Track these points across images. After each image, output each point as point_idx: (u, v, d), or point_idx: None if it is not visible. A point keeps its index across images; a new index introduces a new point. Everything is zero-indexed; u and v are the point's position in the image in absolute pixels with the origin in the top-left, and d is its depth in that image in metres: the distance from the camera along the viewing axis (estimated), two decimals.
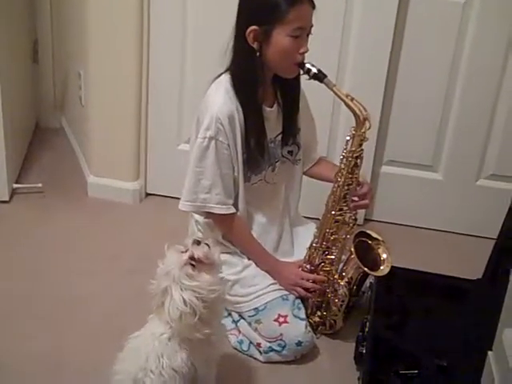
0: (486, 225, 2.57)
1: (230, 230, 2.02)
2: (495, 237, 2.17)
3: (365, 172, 2.33)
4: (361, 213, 2.61)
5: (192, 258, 1.58)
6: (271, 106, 1.98)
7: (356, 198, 2.00)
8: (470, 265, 2.22)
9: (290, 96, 2.01)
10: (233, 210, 1.97)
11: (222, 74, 1.94)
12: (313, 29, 1.86)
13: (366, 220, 2.76)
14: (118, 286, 2.26)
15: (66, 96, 3.30)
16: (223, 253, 1.95)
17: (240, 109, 1.89)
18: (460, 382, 1.78)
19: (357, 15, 2.45)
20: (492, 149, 2.64)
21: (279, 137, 2.03)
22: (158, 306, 1.60)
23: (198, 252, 1.59)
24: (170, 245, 1.61)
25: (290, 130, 2.04)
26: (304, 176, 2.20)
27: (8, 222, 2.61)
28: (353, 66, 2.52)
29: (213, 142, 1.88)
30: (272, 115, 1.99)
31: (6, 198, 2.69)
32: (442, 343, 1.92)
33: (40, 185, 2.78)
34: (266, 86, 1.96)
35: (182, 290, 1.55)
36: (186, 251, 1.59)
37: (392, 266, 2.01)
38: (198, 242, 1.62)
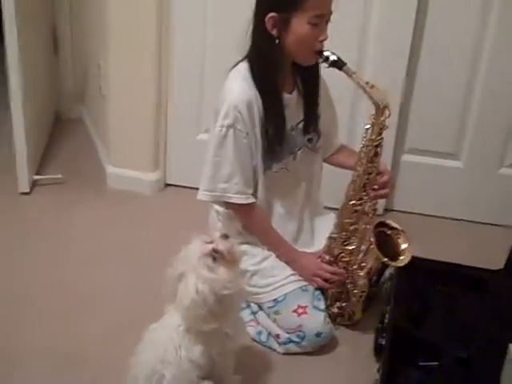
0: (508, 213, 2.55)
1: (249, 219, 2.01)
2: None
3: (385, 161, 2.31)
4: (381, 202, 2.58)
5: (215, 250, 1.57)
6: (290, 93, 1.97)
7: (376, 187, 1.98)
8: (492, 254, 2.19)
9: (310, 83, 1.99)
10: (252, 200, 1.96)
11: (239, 61, 1.93)
12: (332, 16, 1.83)
13: (386, 210, 2.73)
14: (137, 276, 2.26)
15: (85, 87, 3.30)
16: (243, 243, 1.96)
17: (259, 96, 1.88)
18: (480, 374, 1.76)
19: (377, 1, 2.42)
20: None
21: (301, 124, 2.01)
22: (170, 293, 1.59)
23: (223, 246, 1.58)
24: (197, 233, 1.61)
25: (311, 118, 2.02)
26: (324, 165, 2.18)
27: (29, 213, 2.63)
28: (373, 54, 2.50)
29: (231, 130, 1.87)
30: (292, 102, 1.97)
31: (27, 190, 2.71)
32: (462, 335, 1.90)
33: (60, 176, 2.80)
34: (285, 73, 1.94)
35: (197, 278, 1.54)
36: (211, 242, 1.59)
37: (412, 256, 1.99)
38: (225, 236, 1.61)
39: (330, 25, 1.85)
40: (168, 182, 2.86)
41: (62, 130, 3.24)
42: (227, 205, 2.00)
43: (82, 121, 3.32)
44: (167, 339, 1.61)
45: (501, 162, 2.65)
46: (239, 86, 1.88)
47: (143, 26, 2.57)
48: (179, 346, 1.60)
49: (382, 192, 2.00)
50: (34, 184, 2.75)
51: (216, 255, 1.57)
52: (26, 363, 1.89)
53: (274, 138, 1.92)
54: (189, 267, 1.56)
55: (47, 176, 2.80)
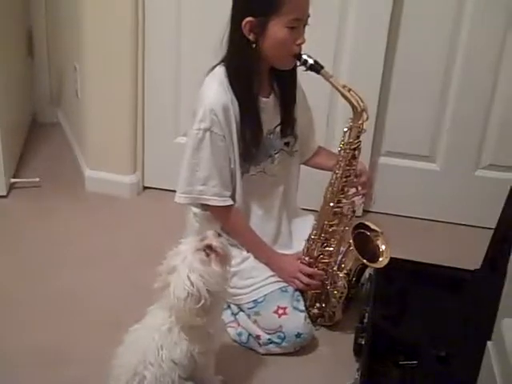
0: (484, 215, 2.56)
1: (227, 221, 2.01)
2: (494, 227, 2.17)
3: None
4: (359, 204, 2.60)
5: (209, 246, 1.59)
6: (267, 97, 1.97)
7: (354, 190, 2.00)
8: (469, 255, 2.22)
9: (286, 87, 2.00)
10: (230, 202, 1.97)
11: (216, 65, 1.93)
12: (309, 19, 1.85)
13: (365, 212, 2.75)
14: (117, 279, 2.26)
15: (62, 90, 3.28)
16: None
17: (235, 100, 1.88)
18: (459, 373, 1.78)
19: (353, 3, 2.45)
20: (490, 139, 2.63)
21: (278, 128, 2.02)
22: (161, 288, 1.59)
23: (216, 242, 1.60)
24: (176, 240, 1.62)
25: (288, 121, 2.03)
26: (302, 168, 2.19)
27: (6, 216, 2.61)
28: (349, 57, 2.52)
29: (207, 133, 1.87)
30: (269, 106, 1.98)
31: (4, 193, 2.69)
32: (441, 334, 1.92)
33: (37, 179, 2.78)
34: (262, 77, 1.95)
35: (190, 270, 1.54)
36: (204, 239, 1.60)
37: (391, 257, 2.01)
38: (218, 235, 1.64)
39: (307, 29, 1.85)
40: (146, 185, 2.86)
41: (39, 133, 3.21)
42: (205, 207, 2.00)
43: (59, 124, 3.30)
44: (149, 340, 1.60)
45: (477, 164, 2.68)
46: (215, 90, 1.88)
47: (119, 28, 2.56)
48: (161, 347, 1.59)
49: (362, 192, 2.02)
50: (11, 187, 2.73)
51: (209, 251, 1.58)
52: (13, 363, 1.88)
53: (251, 142, 1.93)
54: (182, 260, 1.56)
55: (24, 179, 2.78)
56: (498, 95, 2.56)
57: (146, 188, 2.86)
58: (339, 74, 2.46)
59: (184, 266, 1.55)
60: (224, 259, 1.62)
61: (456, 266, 2.20)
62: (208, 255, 1.58)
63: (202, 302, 1.54)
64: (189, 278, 1.53)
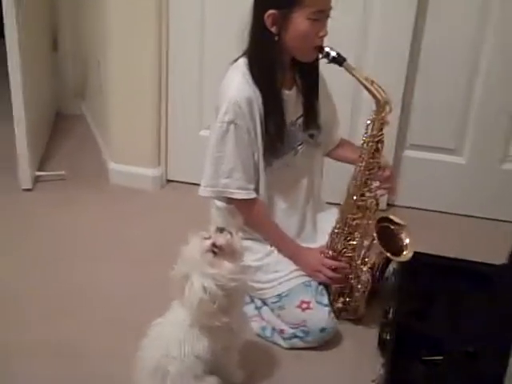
0: (510, 209, 2.54)
1: (250, 215, 2.01)
2: None
3: (387, 156, 2.31)
4: (383, 198, 2.58)
5: (214, 245, 1.57)
6: (290, 89, 1.97)
7: (378, 183, 1.98)
8: (495, 249, 2.19)
9: (309, 79, 1.99)
10: (254, 195, 1.96)
11: (239, 58, 1.93)
12: (332, 11, 1.83)
13: (389, 205, 2.73)
14: (139, 272, 2.27)
15: (86, 83, 3.30)
16: (246, 239, 1.95)
17: (258, 92, 1.88)
18: (486, 368, 1.76)
19: None
20: None
21: (300, 120, 2.01)
22: (179, 291, 1.59)
23: (221, 239, 1.59)
24: (194, 232, 1.61)
25: (311, 114, 2.02)
26: (326, 161, 2.18)
27: (31, 209, 2.63)
28: (374, 49, 2.50)
29: (232, 126, 1.87)
30: (291, 98, 1.97)
31: (29, 186, 2.71)
32: (467, 329, 1.90)
33: (62, 172, 2.80)
34: (284, 69, 1.94)
35: (202, 276, 1.54)
36: (209, 238, 1.59)
37: (416, 252, 1.98)
38: (221, 230, 1.61)
39: (331, 22, 1.84)
40: (169, 178, 2.86)
41: (64, 126, 3.24)
42: (229, 200, 1.99)
43: (83, 117, 3.33)
44: (172, 334, 1.61)
45: (503, 157, 2.65)
46: (239, 83, 1.88)
47: (142, 22, 2.57)
48: (184, 342, 1.60)
49: (385, 186, 2.00)
50: (36, 180, 2.75)
51: (215, 249, 1.57)
52: (25, 357, 1.88)
53: (275, 134, 1.92)
54: (191, 267, 1.56)
55: (49, 172, 2.80)
56: None
57: (169, 181, 2.87)
58: (364, 66, 2.44)
59: (196, 273, 1.54)
60: (233, 253, 1.61)
61: (482, 260, 2.18)
62: (215, 254, 1.57)
63: (216, 304, 1.53)
64: (202, 284, 1.53)
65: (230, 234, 1.62)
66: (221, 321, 1.56)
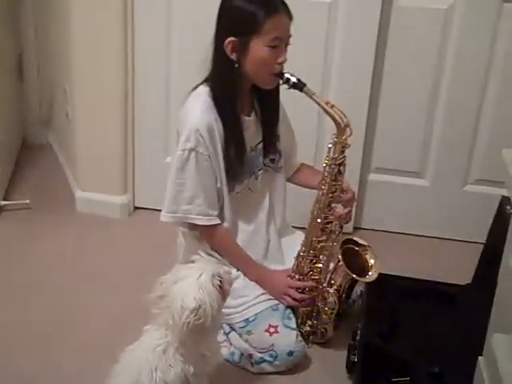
0: (473, 230, 2.58)
1: (213, 240, 2.02)
2: (483, 241, 2.18)
3: (352, 180, 2.35)
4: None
5: (220, 276, 1.64)
6: (249, 115, 1.99)
7: (340, 206, 2.01)
8: (459, 270, 2.23)
9: (268, 106, 2.02)
10: (216, 221, 1.97)
11: (199, 85, 1.95)
12: (295, 40, 1.87)
13: (356, 228, 2.75)
14: (109, 301, 2.25)
15: (52, 112, 3.29)
16: None
17: (219, 119, 1.90)
18: None
19: (340, 23, 2.46)
20: (478, 154, 2.64)
21: (260, 145, 2.03)
22: (159, 297, 1.61)
23: (229, 278, 1.67)
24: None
25: (271, 139, 2.05)
26: (290, 186, 2.20)
27: None
28: (338, 75, 2.53)
29: (193, 153, 1.89)
30: (251, 124, 2.00)
31: None
32: (433, 349, 1.92)
33: (28, 201, 2.77)
34: (244, 96, 1.97)
35: (201, 288, 1.58)
36: (220, 267, 1.68)
37: (382, 274, 2.01)
38: (229, 272, 1.71)
39: (293, 50, 1.87)
40: (137, 205, 2.86)
41: (29, 155, 3.21)
42: (191, 226, 2.01)
43: (50, 146, 3.30)
44: (143, 361, 1.60)
45: (465, 179, 2.69)
46: (199, 110, 1.90)
47: (108, 49, 2.57)
48: (155, 368, 1.59)
49: (346, 210, 2.02)
50: (1, 209, 2.73)
51: (220, 281, 1.63)
52: None
53: (235, 160, 1.94)
54: (196, 276, 1.59)
55: (15, 201, 2.78)
56: (484, 111, 2.57)
57: (137, 208, 2.86)
58: (328, 91, 2.48)
59: (197, 281, 1.58)
60: (226, 294, 1.68)
61: (446, 281, 2.21)
62: (220, 283, 1.63)
63: (202, 320, 1.55)
64: (202, 291, 1.56)
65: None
66: (193, 339, 1.58)
